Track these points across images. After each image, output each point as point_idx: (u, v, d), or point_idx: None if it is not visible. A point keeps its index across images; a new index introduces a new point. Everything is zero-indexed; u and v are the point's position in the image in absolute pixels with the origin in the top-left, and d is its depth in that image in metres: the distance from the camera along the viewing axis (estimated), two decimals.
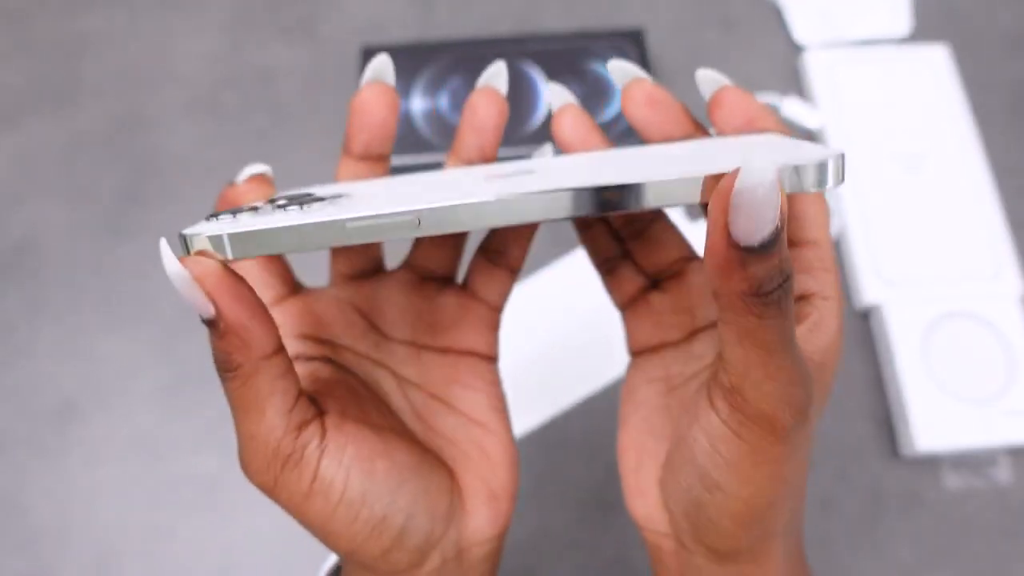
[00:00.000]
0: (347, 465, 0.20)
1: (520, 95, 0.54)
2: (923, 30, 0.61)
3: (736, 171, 0.15)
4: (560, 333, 0.50)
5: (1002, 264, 0.51)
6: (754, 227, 0.15)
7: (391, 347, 0.24)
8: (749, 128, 0.21)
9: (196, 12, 0.62)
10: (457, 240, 0.24)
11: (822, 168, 0.16)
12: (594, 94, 0.54)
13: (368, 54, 0.56)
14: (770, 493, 0.19)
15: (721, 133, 0.21)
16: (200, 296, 0.17)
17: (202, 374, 0.50)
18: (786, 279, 0.16)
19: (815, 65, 0.57)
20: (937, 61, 0.57)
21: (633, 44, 0.56)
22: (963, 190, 0.53)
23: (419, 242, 0.24)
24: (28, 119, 0.58)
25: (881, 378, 0.50)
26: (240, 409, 0.19)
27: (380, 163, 0.23)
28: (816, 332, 0.20)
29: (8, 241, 0.54)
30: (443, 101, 0.54)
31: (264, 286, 0.23)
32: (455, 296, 0.24)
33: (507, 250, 0.24)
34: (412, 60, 0.55)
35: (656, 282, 0.25)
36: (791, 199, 0.21)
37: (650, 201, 0.16)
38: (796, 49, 0.60)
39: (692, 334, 0.24)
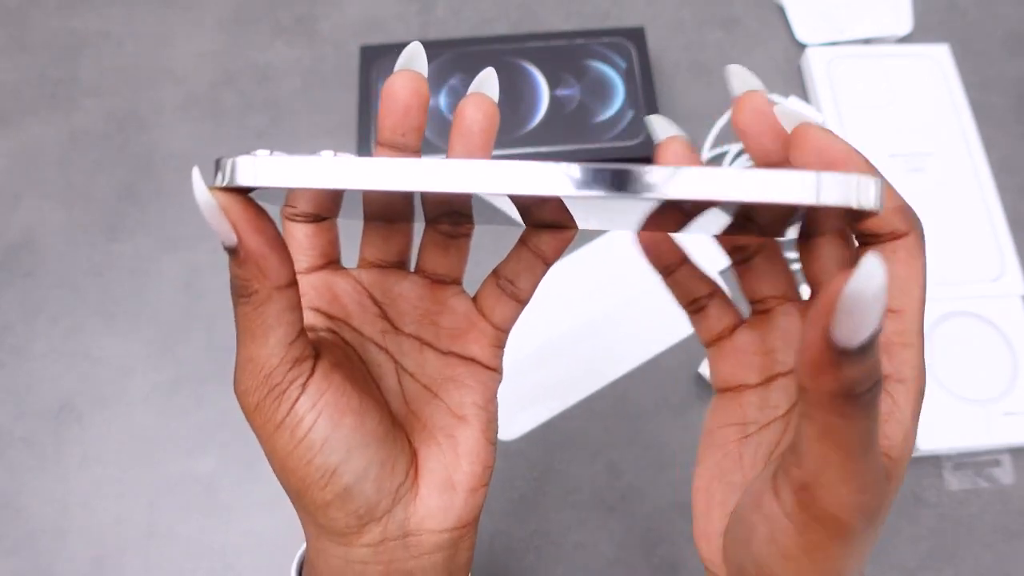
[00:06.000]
0: (319, 409, 0.21)
1: (520, 95, 0.54)
2: (924, 29, 0.61)
3: (847, 272, 0.14)
4: (560, 333, 0.50)
5: (1004, 264, 0.50)
6: (857, 330, 0.14)
7: (397, 338, 0.25)
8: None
9: (194, 10, 0.62)
10: (460, 246, 0.25)
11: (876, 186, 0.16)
12: (594, 93, 0.54)
13: (367, 53, 0.55)
14: None
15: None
16: (225, 224, 0.18)
17: (199, 375, 0.50)
18: (876, 383, 0.16)
19: (816, 64, 0.57)
20: (938, 60, 0.57)
21: (634, 43, 0.56)
22: (964, 190, 0.53)
23: (426, 247, 0.25)
24: (25, 118, 0.58)
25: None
26: (246, 332, 0.20)
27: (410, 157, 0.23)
28: (889, 424, 0.19)
29: (4, 240, 0.54)
30: (443, 100, 0.54)
31: (303, 253, 0.24)
32: (465, 306, 0.25)
33: (517, 280, 0.25)
34: None
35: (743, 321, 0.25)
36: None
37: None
38: (797, 48, 0.60)
39: (770, 379, 0.24)
